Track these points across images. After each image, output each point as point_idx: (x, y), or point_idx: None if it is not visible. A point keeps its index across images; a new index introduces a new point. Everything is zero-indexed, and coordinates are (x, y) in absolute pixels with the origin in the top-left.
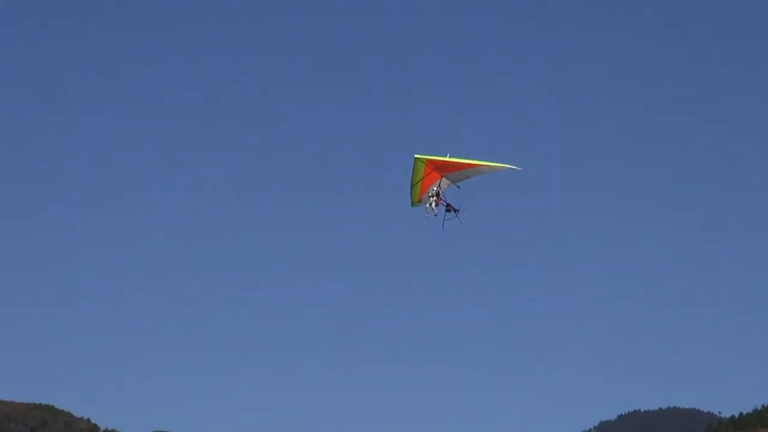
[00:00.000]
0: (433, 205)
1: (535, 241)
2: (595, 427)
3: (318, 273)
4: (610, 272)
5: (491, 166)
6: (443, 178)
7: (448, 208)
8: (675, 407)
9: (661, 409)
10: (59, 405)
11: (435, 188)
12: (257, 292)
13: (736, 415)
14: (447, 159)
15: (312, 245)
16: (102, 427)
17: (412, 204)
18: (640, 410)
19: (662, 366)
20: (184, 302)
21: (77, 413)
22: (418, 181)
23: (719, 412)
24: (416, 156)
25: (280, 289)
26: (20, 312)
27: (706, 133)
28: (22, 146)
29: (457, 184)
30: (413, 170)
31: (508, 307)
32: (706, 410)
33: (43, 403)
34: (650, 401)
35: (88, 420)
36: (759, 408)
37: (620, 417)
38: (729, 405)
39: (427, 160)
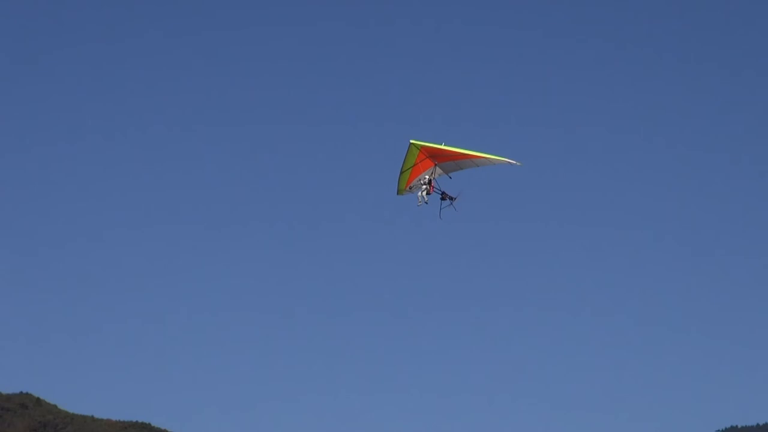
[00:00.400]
0: (425, 193)
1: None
2: None
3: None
4: (705, 277)
5: (489, 158)
6: (436, 167)
7: (444, 196)
8: None
9: (758, 424)
10: (155, 423)
11: (427, 176)
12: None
13: None
14: (444, 147)
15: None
16: None
17: (399, 191)
18: (737, 426)
19: (761, 380)
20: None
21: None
22: (409, 168)
23: None
24: (412, 141)
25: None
26: (112, 327)
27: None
28: (22, 146)
29: (450, 174)
30: (406, 156)
31: (602, 314)
32: None
33: (139, 420)
34: (749, 417)
35: None
36: None
37: None
38: None
39: (423, 146)
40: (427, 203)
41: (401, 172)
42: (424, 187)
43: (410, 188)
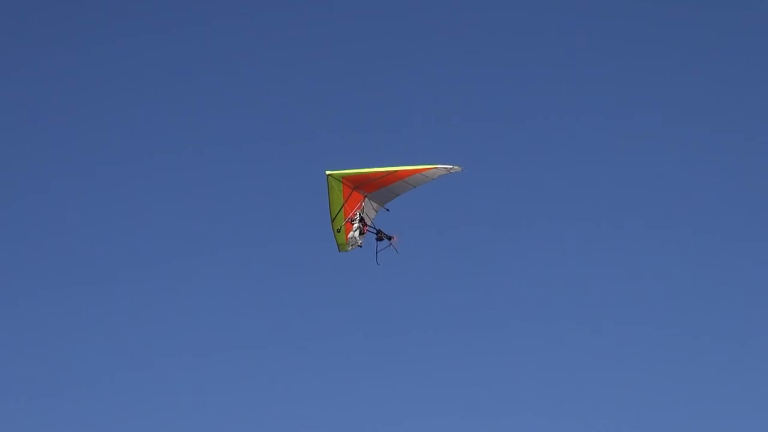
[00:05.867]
0: (357, 234)
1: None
2: None
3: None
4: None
5: (424, 170)
6: (366, 200)
7: (380, 235)
8: None
9: None
10: None
11: (358, 213)
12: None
13: None
14: (368, 171)
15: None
16: None
17: (341, 246)
18: None
19: None
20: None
21: None
22: (340, 209)
23: None
24: (328, 173)
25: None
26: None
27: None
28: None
29: (386, 205)
30: (329, 195)
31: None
32: None
33: None
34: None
35: None
36: None
37: None
38: None
39: (344, 176)
40: (361, 246)
41: (333, 219)
42: (356, 225)
43: (349, 238)
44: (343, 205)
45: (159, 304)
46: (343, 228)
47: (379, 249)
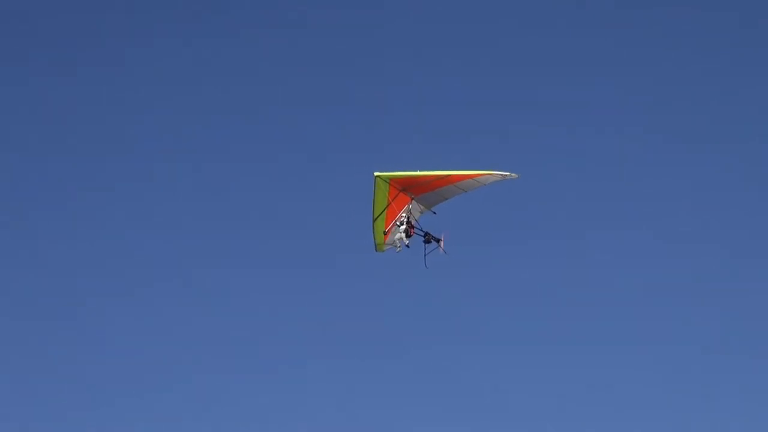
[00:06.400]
0: (404, 236)
1: None
2: None
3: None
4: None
5: (477, 176)
6: (413, 202)
7: (427, 237)
8: None
9: None
10: None
11: (404, 215)
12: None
13: None
14: (419, 174)
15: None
16: None
17: (378, 247)
18: None
19: None
20: None
21: None
22: (383, 210)
23: None
24: (377, 174)
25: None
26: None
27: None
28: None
29: (433, 209)
30: (375, 195)
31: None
32: None
33: None
34: None
35: None
36: None
37: None
38: None
39: (392, 178)
40: (408, 246)
41: (374, 220)
42: (402, 228)
43: (388, 239)
44: (388, 206)
45: (158, 305)
46: (381, 227)
47: (427, 252)
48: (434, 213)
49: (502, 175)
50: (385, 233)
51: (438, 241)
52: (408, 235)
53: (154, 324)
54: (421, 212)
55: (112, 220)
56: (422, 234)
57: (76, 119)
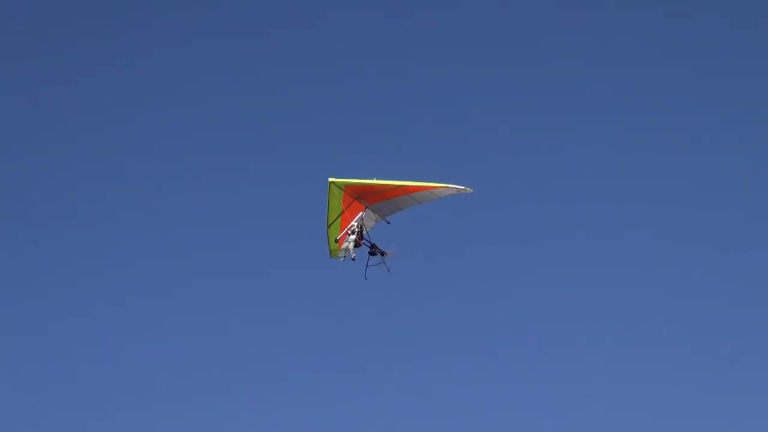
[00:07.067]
0: (351, 246)
1: None
2: None
3: None
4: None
5: (433, 188)
6: (367, 210)
7: (373, 250)
8: None
9: None
10: None
11: (356, 224)
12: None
13: None
14: (374, 182)
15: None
16: None
17: (332, 252)
18: None
19: None
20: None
21: None
22: (337, 217)
23: None
24: (331, 180)
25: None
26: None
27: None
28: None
29: (387, 218)
30: (329, 201)
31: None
32: None
33: None
34: None
35: None
36: None
37: None
38: None
39: (347, 185)
40: (354, 259)
41: (328, 226)
42: (352, 238)
43: (342, 246)
44: (341, 213)
45: (161, 307)
46: (335, 232)
47: (369, 264)
48: (388, 223)
49: (457, 188)
50: (338, 241)
51: (383, 254)
52: (356, 245)
53: (154, 324)
54: (376, 221)
55: (112, 220)
56: (369, 245)
57: (76, 119)
